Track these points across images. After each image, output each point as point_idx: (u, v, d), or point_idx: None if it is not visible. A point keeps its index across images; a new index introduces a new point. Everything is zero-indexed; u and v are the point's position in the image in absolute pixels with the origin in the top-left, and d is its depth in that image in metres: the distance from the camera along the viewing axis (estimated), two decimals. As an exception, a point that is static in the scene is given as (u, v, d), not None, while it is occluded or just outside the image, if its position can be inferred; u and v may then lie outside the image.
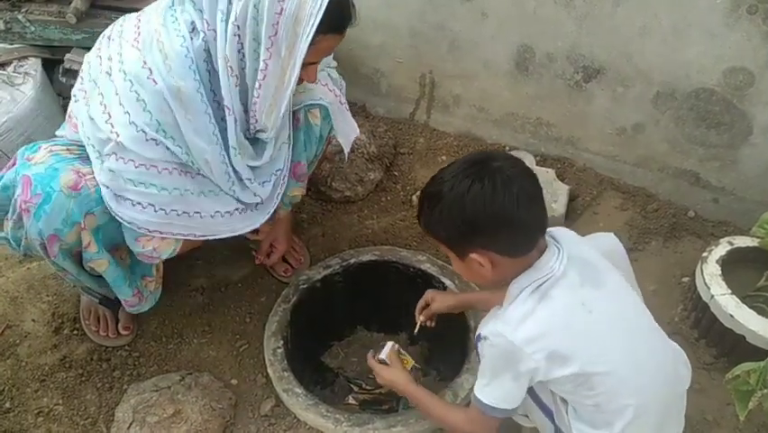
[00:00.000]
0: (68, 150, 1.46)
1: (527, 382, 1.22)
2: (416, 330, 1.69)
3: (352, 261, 1.98)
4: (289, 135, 1.64)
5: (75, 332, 1.81)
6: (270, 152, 1.56)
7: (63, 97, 2.42)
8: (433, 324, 1.69)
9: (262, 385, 1.72)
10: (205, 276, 1.97)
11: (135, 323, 1.82)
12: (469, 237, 1.18)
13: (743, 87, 1.86)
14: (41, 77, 2.35)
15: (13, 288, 1.90)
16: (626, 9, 1.91)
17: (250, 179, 1.53)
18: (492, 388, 1.24)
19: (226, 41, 1.33)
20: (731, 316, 1.60)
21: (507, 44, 2.18)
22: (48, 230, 1.39)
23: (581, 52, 2.06)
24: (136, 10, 1.53)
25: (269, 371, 1.72)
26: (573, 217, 2.12)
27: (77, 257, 1.51)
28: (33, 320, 1.83)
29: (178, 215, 1.46)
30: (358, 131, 1.79)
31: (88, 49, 1.50)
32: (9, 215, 1.46)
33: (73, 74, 2.37)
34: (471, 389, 1.30)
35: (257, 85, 1.38)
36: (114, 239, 1.51)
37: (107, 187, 1.40)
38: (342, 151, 1.82)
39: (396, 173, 2.33)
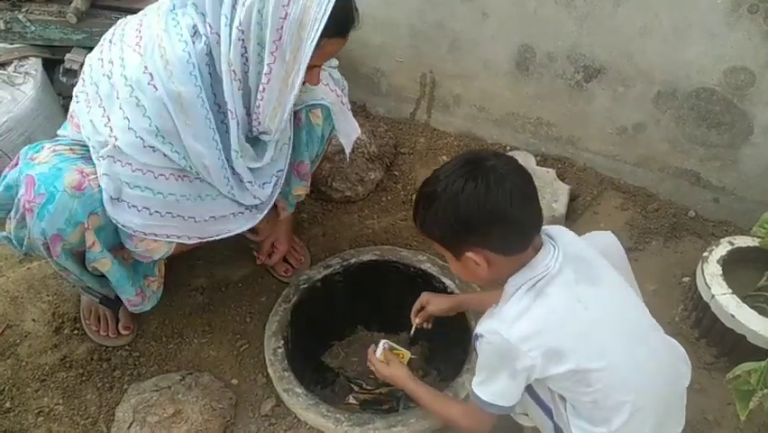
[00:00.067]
0: (71, 149, 1.46)
1: (524, 380, 1.22)
2: (412, 333, 1.70)
3: (353, 260, 1.98)
4: (290, 136, 1.64)
5: (75, 332, 1.81)
6: (271, 153, 1.56)
7: (63, 97, 2.41)
8: (429, 326, 1.70)
9: (263, 385, 1.72)
10: (206, 276, 1.97)
11: (135, 323, 1.82)
12: (464, 236, 1.19)
13: (743, 87, 1.86)
14: (42, 76, 2.35)
15: (13, 287, 1.90)
16: (627, 9, 1.91)
17: (251, 182, 1.53)
18: (488, 385, 1.25)
19: (230, 45, 1.33)
20: (732, 315, 1.60)
21: (507, 44, 2.18)
22: (51, 230, 1.39)
23: (582, 52, 2.06)
24: (137, 10, 1.53)
25: (270, 371, 1.72)
26: (574, 217, 2.12)
27: (80, 257, 1.51)
28: (34, 320, 1.83)
29: (172, 217, 1.47)
30: (359, 131, 1.80)
31: (89, 48, 1.50)
32: (12, 214, 1.46)
33: (73, 74, 2.36)
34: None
35: (261, 88, 1.38)
36: (116, 239, 1.51)
37: (104, 189, 1.40)
38: (342, 150, 1.82)
39: (396, 173, 2.33)
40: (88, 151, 1.43)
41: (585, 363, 1.17)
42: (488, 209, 1.15)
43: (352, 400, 1.84)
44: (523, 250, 1.20)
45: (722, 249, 1.74)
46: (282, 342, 1.76)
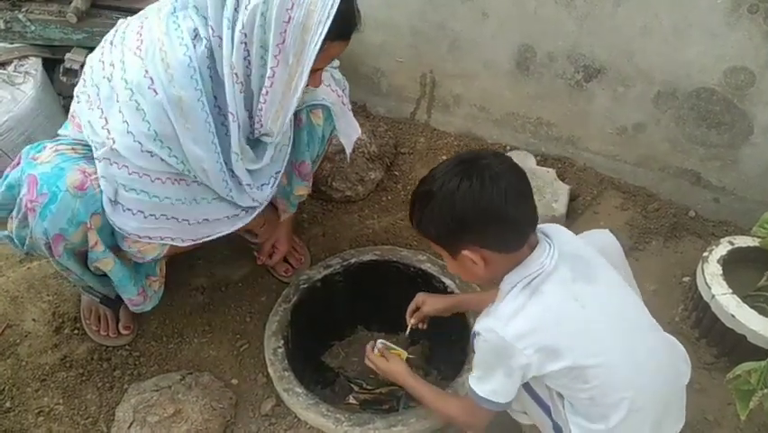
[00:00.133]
0: (72, 149, 1.46)
1: (520, 377, 1.23)
2: (407, 333, 1.71)
3: (353, 260, 1.98)
4: (290, 137, 1.64)
5: (75, 331, 1.81)
6: (271, 153, 1.56)
7: (64, 97, 2.41)
8: (424, 326, 1.71)
9: (263, 385, 1.72)
10: (206, 275, 1.97)
11: (136, 322, 1.82)
12: (460, 234, 1.20)
13: (743, 87, 1.86)
14: (42, 76, 2.35)
15: (13, 287, 1.90)
16: (627, 9, 1.91)
17: (249, 185, 1.53)
18: (485, 382, 1.26)
19: (233, 48, 1.32)
20: (732, 315, 1.60)
21: (507, 44, 2.18)
22: (53, 230, 1.39)
23: (582, 52, 2.06)
24: (137, 10, 1.52)
25: (270, 370, 1.72)
26: (574, 217, 2.12)
27: (81, 257, 1.51)
28: (34, 320, 1.83)
29: (167, 219, 1.47)
30: (360, 131, 1.80)
31: (89, 48, 1.50)
32: (14, 214, 1.46)
33: (74, 73, 2.36)
34: (471, 384, 1.32)
35: (263, 91, 1.38)
36: (116, 239, 1.51)
37: (103, 190, 1.40)
38: (343, 150, 1.82)
39: (396, 173, 2.33)
40: (90, 150, 1.43)
41: (581, 360, 1.18)
42: (483, 207, 1.16)
43: (352, 400, 1.84)
44: (519, 248, 1.21)
45: (722, 249, 1.74)
46: (282, 342, 1.76)
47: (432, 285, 1.90)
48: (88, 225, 1.41)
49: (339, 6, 1.29)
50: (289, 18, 1.28)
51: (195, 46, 1.34)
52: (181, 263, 1.88)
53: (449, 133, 2.46)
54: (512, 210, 1.17)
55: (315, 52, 1.31)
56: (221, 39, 1.33)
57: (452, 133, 2.45)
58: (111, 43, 1.43)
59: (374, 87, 2.53)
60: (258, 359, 1.77)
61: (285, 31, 1.29)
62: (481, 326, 1.22)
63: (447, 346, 1.87)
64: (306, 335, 1.87)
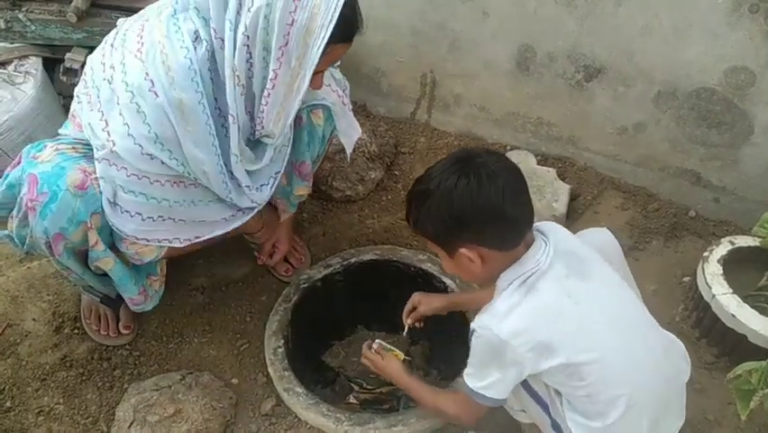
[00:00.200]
0: (73, 148, 1.46)
1: (515, 374, 1.24)
2: (405, 333, 1.72)
3: (353, 260, 1.98)
4: (290, 138, 1.64)
5: (75, 331, 1.81)
6: (270, 154, 1.55)
7: (64, 96, 2.41)
8: (421, 325, 1.72)
9: (263, 384, 1.72)
10: (206, 275, 1.96)
11: (136, 322, 1.82)
12: (457, 232, 1.21)
13: (744, 87, 1.86)
14: (42, 76, 2.35)
15: (13, 287, 1.90)
16: (628, 9, 1.91)
17: (248, 186, 1.53)
18: (479, 377, 1.27)
19: (235, 50, 1.32)
20: (732, 315, 1.60)
21: (507, 44, 2.18)
22: (53, 229, 1.39)
23: (582, 52, 2.06)
24: (137, 9, 1.52)
25: (270, 370, 1.72)
26: (574, 217, 2.12)
27: (82, 256, 1.51)
28: (34, 319, 1.83)
29: (163, 221, 1.47)
30: (360, 131, 1.80)
31: (89, 48, 1.50)
32: (14, 213, 1.46)
33: (74, 73, 2.36)
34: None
35: (265, 93, 1.37)
36: (115, 240, 1.52)
37: (102, 191, 1.40)
38: (343, 150, 1.82)
39: (396, 173, 2.33)
40: (91, 149, 1.43)
41: (575, 356, 1.19)
42: (480, 205, 1.17)
43: (352, 400, 1.84)
44: (515, 246, 1.22)
45: (723, 249, 1.74)
46: (282, 341, 1.76)
47: (432, 285, 1.90)
48: (88, 225, 1.41)
49: (342, 10, 1.29)
50: (293, 21, 1.28)
51: (195, 48, 1.34)
52: (181, 263, 1.88)
53: (449, 132, 2.46)
54: (509, 208, 1.18)
55: (318, 55, 1.31)
56: (223, 41, 1.33)
57: (453, 132, 2.45)
58: (111, 45, 1.43)
59: (374, 86, 2.53)
60: (258, 359, 1.77)
61: (288, 33, 1.29)
62: (477, 323, 1.23)
63: (447, 346, 1.87)
64: (306, 334, 1.87)
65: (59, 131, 1.56)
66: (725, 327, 1.63)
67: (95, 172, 1.40)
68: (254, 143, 1.53)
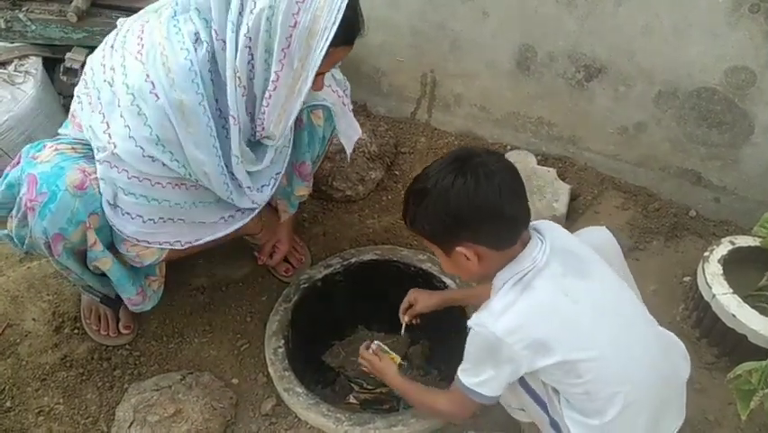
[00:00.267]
0: (73, 148, 1.46)
1: (510, 372, 1.24)
2: (402, 331, 1.73)
3: (353, 260, 1.98)
4: (290, 139, 1.64)
5: (75, 331, 1.81)
6: (271, 155, 1.55)
7: (64, 96, 2.41)
8: (417, 321, 1.73)
9: (263, 384, 1.72)
10: (206, 275, 1.96)
11: (136, 322, 1.82)
12: (454, 231, 1.21)
13: (744, 87, 1.86)
14: (42, 75, 2.35)
15: (13, 287, 1.90)
16: (628, 8, 1.91)
17: (249, 187, 1.53)
18: (473, 374, 1.28)
19: (236, 51, 1.32)
20: (733, 315, 1.59)
21: (508, 43, 2.18)
22: (52, 229, 1.39)
23: (583, 51, 2.06)
24: (137, 9, 1.52)
25: (270, 370, 1.72)
26: (575, 217, 2.12)
27: (81, 256, 1.51)
28: (34, 319, 1.83)
29: (164, 222, 1.47)
30: (360, 132, 1.79)
31: (89, 47, 1.50)
32: (14, 213, 1.46)
33: (74, 73, 2.36)
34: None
35: (267, 95, 1.37)
36: (115, 242, 1.51)
37: (102, 192, 1.40)
38: (343, 150, 1.81)
39: (397, 172, 2.33)
40: (90, 149, 1.43)
41: (572, 354, 1.19)
42: (477, 204, 1.17)
43: (352, 400, 1.84)
44: (512, 244, 1.23)
45: (723, 249, 1.74)
46: (283, 341, 1.76)
47: (432, 285, 1.90)
48: (87, 225, 1.41)
49: (344, 12, 1.29)
50: (295, 23, 1.28)
51: (196, 50, 1.33)
52: (181, 263, 1.87)
53: (449, 132, 2.46)
54: (506, 207, 1.19)
55: (321, 57, 1.31)
56: (224, 42, 1.32)
57: (453, 132, 2.45)
58: (112, 47, 1.43)
59: (375, 86, 2.53)
60: (258, 359, 1.77)
61: (291, 35, 1.29)
62: (474, 320, 1.24)
63: (447, 346, 1.87)
64: (306, 334, 1.87)
65: (59, 130, 1.56)
66: (725, 326, 1.62)
67: (94, 172, 1.40)
68: (255, 144, 1.53)
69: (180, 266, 1.88)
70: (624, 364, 1.22)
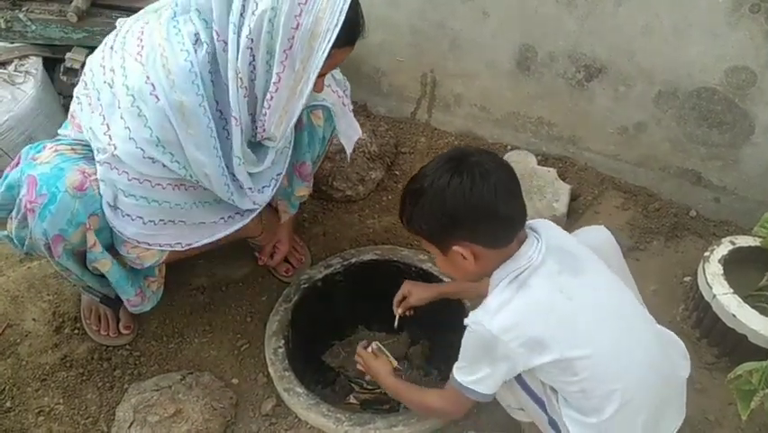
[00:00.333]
0: (72, 149, 1.46)
1: (506, 370, 1.25)
2: (396, 323, 1.74)
3: (354, 260, 1.98)
4: (290, 140, 1.63)
5: (76, 331, 1.81)
6: (272, 157, 1.55)
7: (64, 96, 2.41)
8: (411, 313, 1.74)
9: (263, 385, 1.72)
10: (206, 275, 1.96)
11: (136, 322, 1.81)
12: (450, 230, 1.22)
13: (745, 87, 1.86)
14: (42, 75, 2.35)
15: (13, 287, 1.90)
16: (628, 8, 1.91)
17: (250, 188, 1.53)
18: (469, 371, 1.28)
19: (238, 53, 1.31)
20: (733, 315, 1.60)
21: (508, 43, 2.17)
22: (52, 230, 1.39)
23: (583, 51, 2.06)
24: (137, 9, 1.52)
25: (271, 370, 1.72)
26: (575, 217, 2.12)
27: (81, 257, 1.51)
28: (34, 319, 1.83)
29: (164, 224, 1.47)
30: (360, 132, 1.79)
31: (89, 47, 1.50)
32: (13, 214, 1.45)
33: (74, 73, 2.36)
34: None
35: (268, 96, 1.37)
36: (115, 243, 1.51)
37: (102, 194, 1.40)
38: (343, 150, 1.81)
39: (397, 172, 2.33)
40: (90, 150, 1.43)
41: (567, 351, 1.19)
42: (473, 203, 1.18)
43: (352, 400, 1.84)
44: (508, 243, 1.24)
45: (723, 249, 1.74)
46: (283, 341, 1.76)
47: (432, 285, 1.90)
48: (87, 226, 1.41)
49: (346, 13, 1.29)
50: (298, 24, 1.28)
51: (196, 51, 1.33)
52: (182, 263, 1.88)
53: (450, 132, 2.46)
54: (502, 206, 1.19)
55: (323, 59, 1.31)
56: (225, 43, 1.32)
57: (453, 132, 2.45)
58: (111, 48, 1.42)
59: (375, 86, 2.53)
60: (258, 359, 1.77)
61: (293, 37, 1.29)
62: (471, 318, 1.25)
63: (447, 346, 1.86)
64: (306, 334, 1.87)
65: (59, 131, 1.56)
66: (725, 327, 1.63)
67: (94, 174, 1.40)
68: (256, 146, 1.53)
69: (180, 266, 1.88)
70: (620, 362, 1.23)
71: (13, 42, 2.38)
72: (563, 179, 2.19)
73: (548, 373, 1.24)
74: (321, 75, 1.40)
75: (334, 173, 2.17)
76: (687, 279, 1.89)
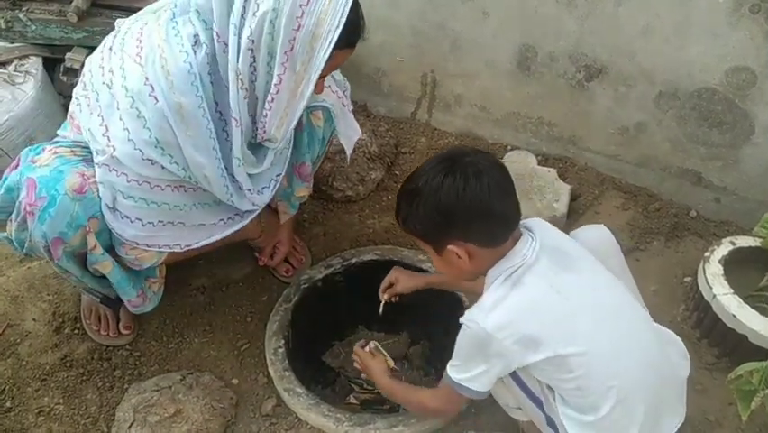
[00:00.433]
0: (71, 151, 1.45)
1: (501, 367, 1.25)
2: (381, 309, 1.74)
3: (354, 260, 1.98)
4: (290, 140, 1.63)
5: (76, 331, 1.80)
6: (271, 158, 1.55)
7: (64, 96, 2.41)
8: (396, 299, 1.75)
9: (263, 385, 1.72)
10: (207, 275, 1.96)
11: (136, 322, 1.81)
12: (445, 229, 1.23)
13: (745, 87, 1.85)
14: (42, 75, 2.35)
15: (13, 287, 1.90)
16: (628, 8, 1.91)
17: (249, 190, 1.53)
18: (463, 369, 1.29)
19: (239, 54, 1.31)
20: (733, 316, 1.59)
21: (508, 43, 2.17)
22: (52, 233, 1.38)
23: (583, 51, 2.06)
24: (136, 9, 1.52)
25: (271, 370, 1.72)
26: (575, 217, 2.11)
27: (81, 259, 1.50)
28: (34, 319, 1.83)
29: (163, 225, 1.47)
30: (360, 132, 1.79)
31: (89, 47, 1.49)
32: (13, 217, 1.45)
33: (74, 73, 2.36)
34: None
35: (269, 98, 1.37)
36: (114, 244, 1.51)
37: (101, 196, 1.40)
38: (343, 150, 1.81)
39: (397, 173, 2.33)
40: (90, 152, 1.43)
41: (561, 348, 1.20)
42: (467, 202, 1.19)
43: (352, 400, 1.83)
44: (503, 242, 1.25)
45: (723, 249, 1.74)
46: (283, 341, 1.76)
47: (432, 285, 1.89)
48: (87, 229, 1.41)
49: (347, 15, 1.29)
50: (299, 26, 1.27)
51: (195, 52, 1.33)
52: (182, 263, 1.88)
53: (450, 132, 2.45)
54: (496, 205, 1.20)
55: (324, 60, 1.31)
56: (226, 44, 1.32)
57: (453, 132, 2.45)
58: (110, 49, 1.42)
59: (375, 86, 2.53)
60: (258, 359, 1.77)
61: (294, 38, 1.29)
62: (466, 316, 1.25)
63: (447, 347, 1.86)
64: (306, 334, 1.87)
65: (58, 132, 1.55)
66: (725, 327, 1.62)
67: (93, 176, 1.40)
68: (255, 147, 1.52)
69: (180, 266, 1.88)
70: (617, 359, 1.23)
71: (13, 42, 2.38)
72: (564, 180, 2.19)
73: (543, 371, 1.25)
74: (322, 76, 1.39)
75: (334, 173, 2.17)
76: (687, 279, 1.89)
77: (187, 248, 1.55)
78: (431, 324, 1.86)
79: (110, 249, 1.51)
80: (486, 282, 1.27)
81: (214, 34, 1.33)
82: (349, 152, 1.78)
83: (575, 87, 2.14)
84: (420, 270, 1.93)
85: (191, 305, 1.89)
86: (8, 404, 1.64)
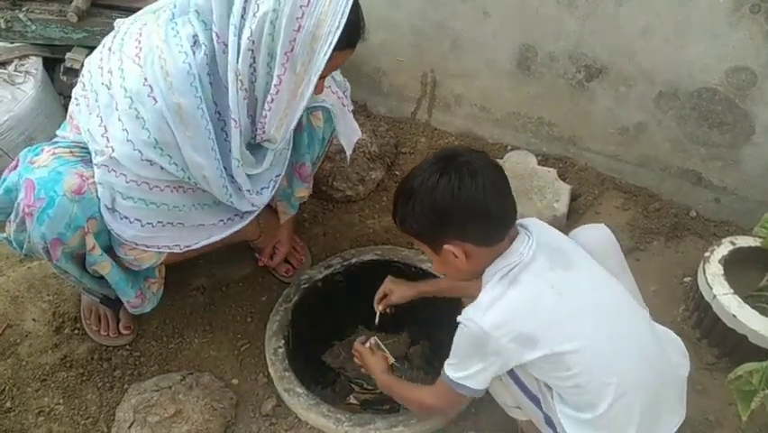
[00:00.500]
0: (70, 152, 1.45)
1: (498, 365, 1.26)
2: (377, 321, 1.75)
3: (354, 260, 1.98)
4: (289, 141, 1.63)
5: (76, 331, 1.80)
6: (271, 158, 1.55)
7: (64, 96, 2.41)
8: (392, 310, 1.76)
9: (263, 385, 1.72)
10: (206, 275, 1.96)
11: (136, 322, 1.81)
12: (441, 229, 1.24)
13: (745, 87, 1.85)
14: (42, 75, 2.35)
15: (13, 287, 1.90)
16: (629, 8, 1.91)
17: (249, 190, 1.53)
18: (460, 367, 1.29)
19: (238, 55, 1.31)
20: (733, 316, 1.59)
21: (508, 43, 2.17)
22: (51, 234, 1.38)
23: (584, 51, 2.06)
24: (136, 9, 1.52)
25: (271, 370, 1.72)
26: (575, 217, 2.12)
27: (80, 259, 1.50)
28: (34, 319, 1.83)
29: (162, 226, 1.47)
30: (360, 133, 1.79)
31: (89, 47, 1.49)
32: (12, 218, 1.45)
33: (74, 73, 2.36)
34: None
35: (269, 99, 1.37)
36: (113, 245, 1.51)
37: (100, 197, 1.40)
38: (343, 150, 1.81)
39: (397, 173, 2.33)
40: (88, 153, 1.42)
41: (558, 346, 1.20)
42: (462, 202, 1.20)
43: (352, 400, 1.83)
44: (499, 241, 1.25)
45: (724, 249, 1.74)
46: (283, 342, 1.76)
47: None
48: (86, 230, 1.41)
49: (348, 16, 1.29)
50: (299, 27, 1.27)
51: (194, 53, 1.33)
52: (181, 264, 1.88)
53: (450, 132, 2.46)
54: (491, 204, 1.21)
55: (325, 61, 1.31)
56: (226, 45, 1.32)
57: (453, 132, 2.45)
58: (109, 49, 1.42)
59: (375, 86, 2.53)
60: (258, 359, 1.77)
61: (294, 39, 1.28)
62: (463, 315, 1.26)
63: (447, 346, 1.86)
64: (306, 334, 1.87)
65: (57, 132, 1.55)
66: (726, 327, 1.62)
67: (92, 177, 1.39)
68: (255, 147, 1.52)
69: (180, 267, 1.88)
70: (614, 357, 1.23)
71: (13, 42, 2.38)
72: (564, 180, 2.19)
73: (540, 369, 1.25)
74: (322, 77, 1.39)
75: (334, 173, 2.17)
76: (687, 279, 1.89)
77: (186, 249, 1.54)
78: (431, 324, 1.86)
79: (109, 250, 1.51)
80: (483, 281, 1.28)
81: (214, 35, 1.33)
82: (349, 152, 1.78)
83: (575, 87, 2.14)
84: (420, 270, 1.93)
85: (191, 305, 1.89)
86: (8, 404, 1.64)
